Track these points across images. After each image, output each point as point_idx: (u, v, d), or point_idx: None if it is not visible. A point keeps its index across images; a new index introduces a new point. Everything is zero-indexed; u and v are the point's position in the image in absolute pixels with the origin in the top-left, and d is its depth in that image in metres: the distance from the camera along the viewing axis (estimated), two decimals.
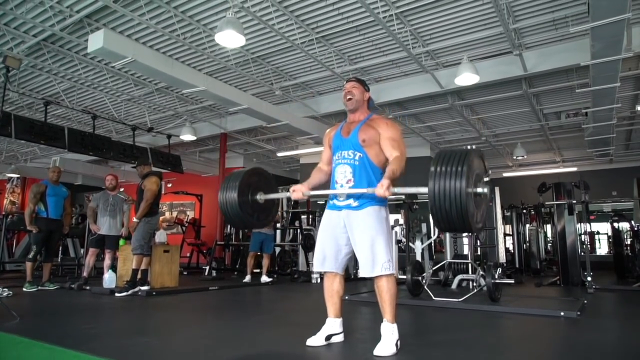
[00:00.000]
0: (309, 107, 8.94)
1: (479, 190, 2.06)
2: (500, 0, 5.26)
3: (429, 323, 3.68)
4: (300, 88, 8.53)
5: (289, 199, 10.14)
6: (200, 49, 6.66)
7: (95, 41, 5.38)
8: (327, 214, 2.59)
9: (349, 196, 2.47)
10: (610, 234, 10.20)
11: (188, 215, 12.99)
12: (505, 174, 14.52)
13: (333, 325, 2.56)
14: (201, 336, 2.94)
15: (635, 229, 7.61)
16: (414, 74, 7.78)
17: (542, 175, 14.67)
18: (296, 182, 15.66)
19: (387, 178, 2.27)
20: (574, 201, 6.27)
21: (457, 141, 11.72)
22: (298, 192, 2.59)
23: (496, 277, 4.34)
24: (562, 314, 3.70)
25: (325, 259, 2.53)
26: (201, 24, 6.13)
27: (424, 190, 2.06)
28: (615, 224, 8.86)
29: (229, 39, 5.13)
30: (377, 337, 2.38)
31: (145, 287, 5.21)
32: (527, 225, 10.34)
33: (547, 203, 6.95)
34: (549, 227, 11.27)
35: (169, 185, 13.37)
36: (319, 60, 6.87)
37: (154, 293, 5.05)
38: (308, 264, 8.40)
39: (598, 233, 11.79)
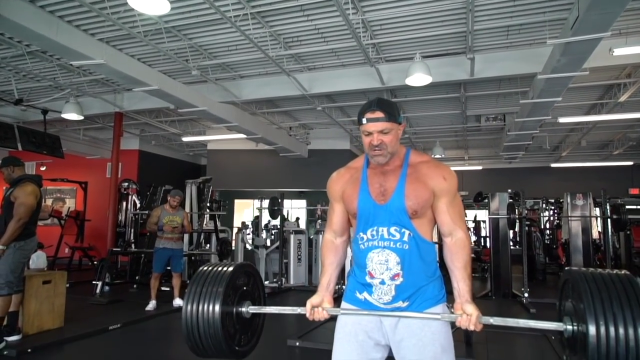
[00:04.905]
0: (228, 92, 7.68)
1: None
2: None
3: None
4: (220, 69, 7.24)
5: (199, 192, 8.81)
6: (98, 9, 5.06)
7: None
8: (353, 316, 1.65)
9: (396, 297, 1.58)
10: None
11: (68, 206, 10.81)
12: None
13: None
14: None
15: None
16: (352, 65, 7.02)
17: None
18: (201, 168, 14.21)
19: (468, 302, 1.51)
20: (516, 216, 6.16)
21: None
22: (319, 312, 1.62)
23: None
24: None
25: None
26: None
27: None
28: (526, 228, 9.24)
29: (148, 3, 3.79)
30: None
31: (14, 338, 3.77)
32: None
33: (490, 216, 6.77)
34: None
35: (43, 168, 11.02)
36: (252, 39, 5.71)
37: (29, 350, 3.62)
38: None
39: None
